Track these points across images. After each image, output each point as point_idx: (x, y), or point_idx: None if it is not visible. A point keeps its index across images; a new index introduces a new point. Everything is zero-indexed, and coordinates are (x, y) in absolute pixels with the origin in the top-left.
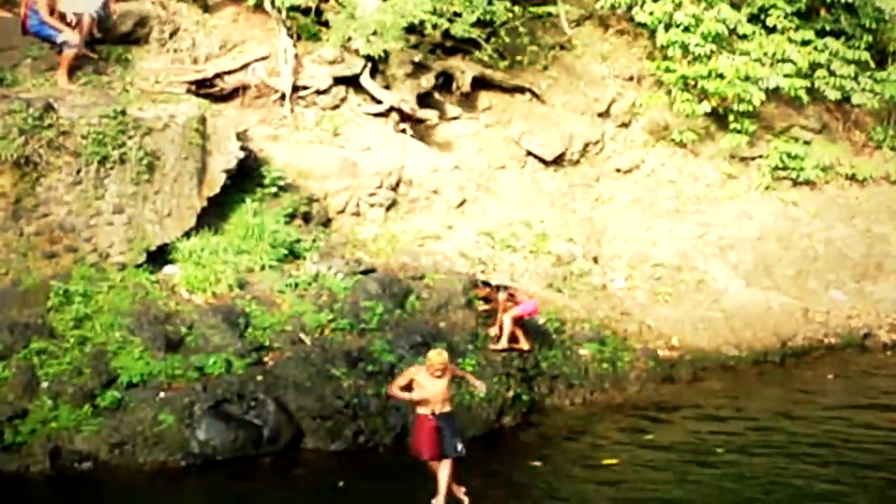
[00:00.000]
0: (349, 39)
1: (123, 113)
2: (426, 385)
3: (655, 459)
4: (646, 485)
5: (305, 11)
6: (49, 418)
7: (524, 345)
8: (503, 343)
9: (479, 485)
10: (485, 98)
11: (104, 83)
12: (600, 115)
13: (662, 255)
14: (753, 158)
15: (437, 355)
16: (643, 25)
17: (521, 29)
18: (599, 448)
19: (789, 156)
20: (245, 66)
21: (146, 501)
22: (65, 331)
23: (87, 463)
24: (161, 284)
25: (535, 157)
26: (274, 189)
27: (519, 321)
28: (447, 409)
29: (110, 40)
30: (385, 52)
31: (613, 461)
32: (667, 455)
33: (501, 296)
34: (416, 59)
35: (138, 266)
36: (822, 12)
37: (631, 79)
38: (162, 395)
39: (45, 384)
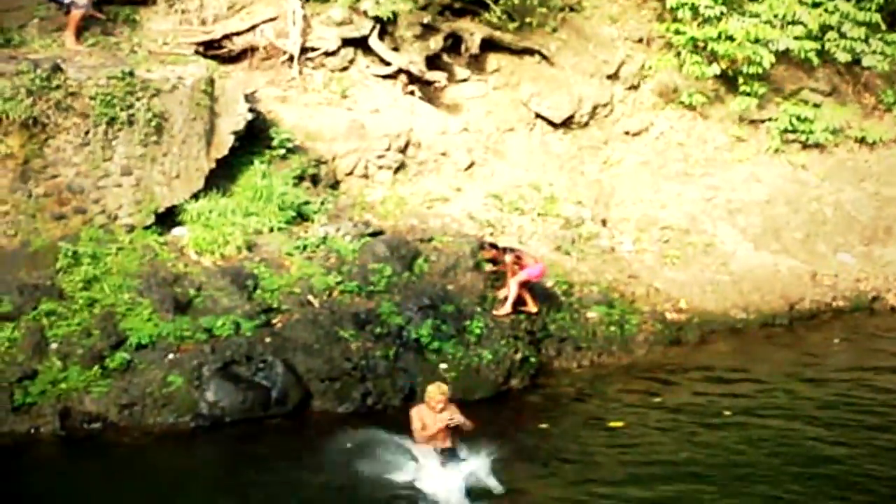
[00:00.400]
0: (358, 1)
1: (131, 74)
2: (429, 423)
3: (663, 421)
4: (653, 446)
5: None
6: (58, 379)
7: (532, 307)
8: (507, 309)
9: (487, 446)
10: (493, 60)
11: (112, 44)
12: (609, 77)
13: (671, 217)
14: (763, 121)
15: (437, 388)
16: None
17: None
18: (607, 410)
19: (799, 118)
20: (253, 28)
21: (155, 462)
22: (73, 292)
23: (96, 424)
24: (169, 246)
25: (544, 119)
26: (282, 151)
27: (525, 284)
28: (448, 444)
29: (118, 1)
30: (394, 13)
31: (621, 423)
32: (674, 417)
33: (508, 258)
34: (425, 20)
35: (147, 228)
36: None
37: (640, 41)
38: (171, 356)
39: (54, 345)
